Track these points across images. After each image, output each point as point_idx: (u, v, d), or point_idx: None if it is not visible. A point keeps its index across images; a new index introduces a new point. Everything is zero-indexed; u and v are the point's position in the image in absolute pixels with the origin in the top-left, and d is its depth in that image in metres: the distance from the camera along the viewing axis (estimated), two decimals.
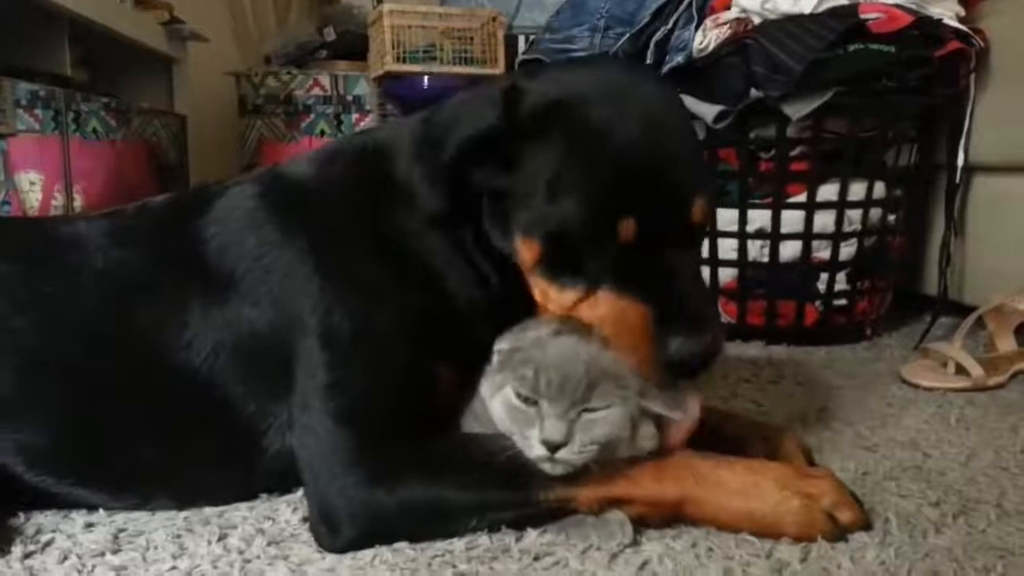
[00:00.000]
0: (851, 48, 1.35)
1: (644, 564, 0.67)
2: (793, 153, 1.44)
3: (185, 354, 0.78)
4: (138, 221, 0.87)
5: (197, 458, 0.80)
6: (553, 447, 0.66)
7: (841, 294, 1.50)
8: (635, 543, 0.70)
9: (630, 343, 0.69)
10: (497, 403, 0.71)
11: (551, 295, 0.74)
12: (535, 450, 0.67)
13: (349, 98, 2.90)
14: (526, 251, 0.73)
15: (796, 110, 1.36)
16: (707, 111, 1.42)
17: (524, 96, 0.72)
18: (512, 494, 0.71)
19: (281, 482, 0.81)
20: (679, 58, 1.50)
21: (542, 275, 0.73)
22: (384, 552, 0.70)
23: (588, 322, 0.72)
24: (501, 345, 0.72)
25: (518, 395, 0.69)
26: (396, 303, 0.76)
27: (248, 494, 0.81)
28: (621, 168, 0.69)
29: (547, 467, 0.68)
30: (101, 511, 0.79)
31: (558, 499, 0.70)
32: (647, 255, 0.69)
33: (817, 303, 1.50)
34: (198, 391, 0.78)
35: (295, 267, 0.78)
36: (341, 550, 0.70)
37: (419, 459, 0.71)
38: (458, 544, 0.70)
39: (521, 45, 2.54)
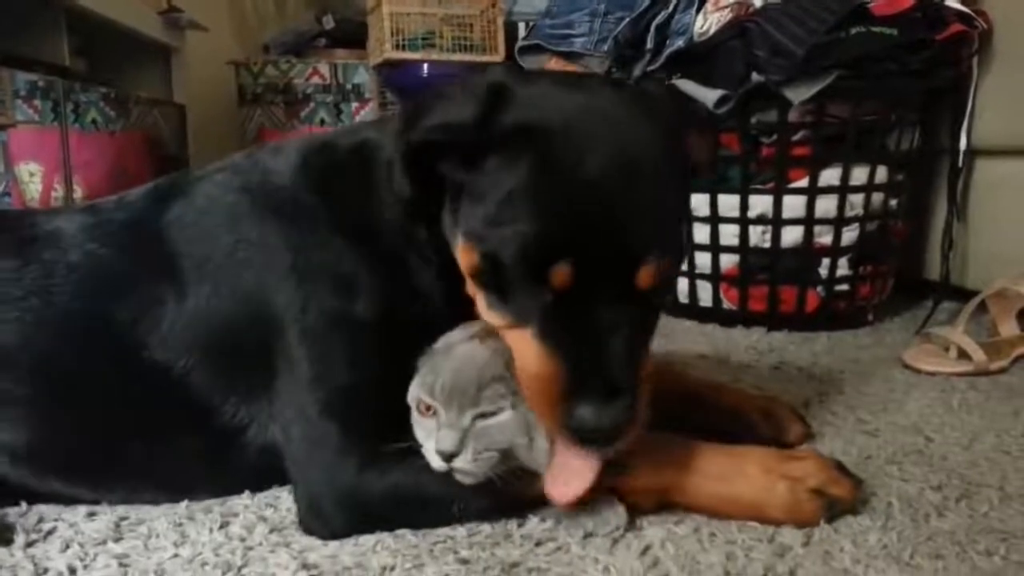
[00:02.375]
0: (853, 31, 1.34)
1: (646, 549, 0.67)
2: (795, 138, 1.43)
3: (160, 350, 0.78)
4: (114, 214, 0.86)
5: (179, 454, 0.79)
6: (447, 456, 0.67)
7: (843, 279, 1.50)
8: (634, 527, 0.70)
9: (538, 400, 0.67)
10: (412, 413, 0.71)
11: (481, 309, 0.71)
12: (433, 461, 0.68)
13: (348, 87, 2.89)
14: (464, 256, 0.70)
15: (798, 94, 1.35)
16: (708, 95, 1.41)
17: (506, 104, 0.68)
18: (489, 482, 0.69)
19: (264, 478, 0.80)
20: (679, 42, 1.49)
21: (475, 285, 0.71)
22: (386, 538, 0.70)
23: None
24: (429, 347, 0.72)
25: (417, 406, 0.69)
26: (371, 299, 0.76)
27: (233, 490, 0.80)
28: (571, 211, 0.64)
29: (457, 477, 0.68)
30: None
31: (537, 490, 0.69)
32: (578, 308, 0.65)
33: (819, 288, 1.50)
34: (175, 387, 0.77)
35: (270, 264, 0.77)
36: (331, 539, 0.71)
37: (401, 449, 0.71)
38: (460, 530, 0.71)
39: (521, 31, 2.53)
